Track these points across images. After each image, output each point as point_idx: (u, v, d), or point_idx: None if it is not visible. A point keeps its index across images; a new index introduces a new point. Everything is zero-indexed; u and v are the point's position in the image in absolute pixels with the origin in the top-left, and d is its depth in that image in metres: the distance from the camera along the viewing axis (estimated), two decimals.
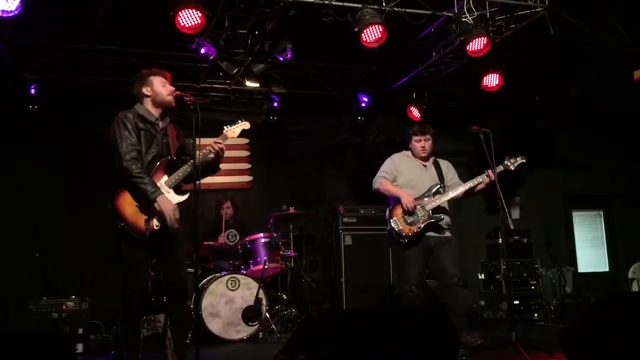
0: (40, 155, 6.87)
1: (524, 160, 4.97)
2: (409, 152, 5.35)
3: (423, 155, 5.21)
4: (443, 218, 4.99)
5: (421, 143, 5.20)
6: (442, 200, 5.00)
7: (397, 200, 5.06)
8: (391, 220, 5.04)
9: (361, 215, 7.35)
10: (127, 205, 3.90)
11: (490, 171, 4.93)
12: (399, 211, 5.02)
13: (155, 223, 3.94)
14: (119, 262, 3.90)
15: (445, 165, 5.27)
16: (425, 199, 5.03)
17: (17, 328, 5.92)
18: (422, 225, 4.94)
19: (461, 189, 5.02)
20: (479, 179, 4.99)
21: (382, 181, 5.22)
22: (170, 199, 4.00)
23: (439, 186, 5.07)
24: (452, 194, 5.00)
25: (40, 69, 6.66)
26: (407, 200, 4.97)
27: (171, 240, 4.04)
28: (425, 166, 5.25)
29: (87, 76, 6.88)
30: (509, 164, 4.95)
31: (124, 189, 3.92)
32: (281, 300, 6.57)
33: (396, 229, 4.99)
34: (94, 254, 6.63)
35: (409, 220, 4.97)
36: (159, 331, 5.68)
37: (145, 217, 3.90)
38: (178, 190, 4.10)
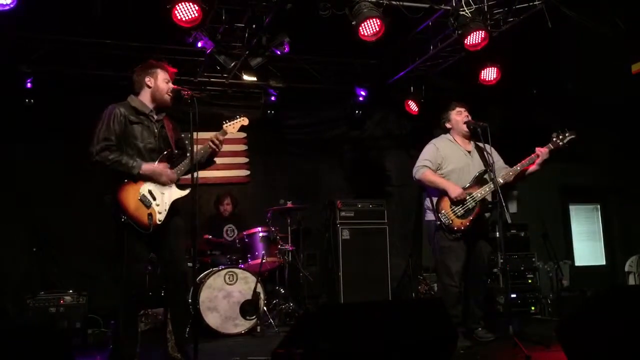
0: (37, 149, 6.85)
1: (573, 136, 4.72)
2: (448, 136, 5.08)
3: (466, 130, 4.93)
4: (492, 208, 4.73)
5: (462, 115, 4.97)
6: (492, 188, 4.67)
7: (442, 192, 4.77)
8: (440, 214, 4.74)
9: (359, 210, 7.35)
10: (130, 198, 3.88)
11: (539, 149, 4.72)
12: (446, 204, 4.73)
13: (158, 217, 3.94)
14: (120, 255, 3.88)
15: (488, 148, 4.88)
16: (474, 188, 4.76)
17: (15, 323, 5.92)
18: (474, 218, 4.70)
19: (511, 173, 4.76)
20: (529, 160, 4.74)
21: (424, 171, 4.87)
22: (172, 194, 4.01)
23: (486, 173, 4.77)
24: (502, 181, 4.67)
25: (36, 62, 6.61)
26: (456, 192, 4.68)
27: (173, 234, 4.05)
28: (469, 152, 4.98)
29: (83, 69, 6.85)
30: (559, 141, 4.73)
31: (125, 181, 3.90)
32: (279, 294, 6.58)
33: (446, 224, 4.70)
34: (91, 248, 6.64)
35: (459, 213, 4.70)
36: (157, 325, 5.70)
37: (148, 211, 3.89)
38: (179, 184, 4.11)
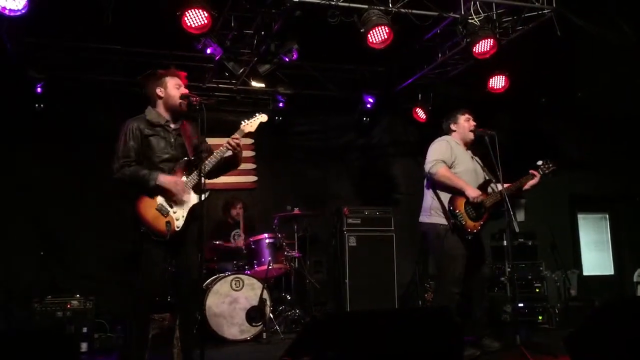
0: (46, 154, 6.89)
1: (555, 168, 4.88)
2: (452, 137, 5.01)
3: (471, 138, 4.92)
4: (500, 215, 4.69)
5: (470, 123, 4.94)
6: (498, 198, 4.66)
7: (455, 192, 4.67)
8: (456, 213, 4.59)
9: (365, 217, 7.34)
10: (148, 208, 3.92)
11: (533, 171, 4.82)
12: (461, 204, 4.62)
13: (176, 224, 3.96)
14: (137, 263, 3.91)
15: (478, 159, 4.99)
16: (483, 195, 4.70)
17: (22, 327, 5.94)
18: (483, 222, 4.68)
19: (513, 188, 4.79)
20: (524, 179, 4.82)
21: (442, 166, 4.68)
22: (190, 200, 4.03)
23: (491, 182, 4.78)
24: (505, 192, 4.62)
25: (46, 68, 6.65)
26: (475, 193, 4.60)
27: (190, 241, 4.06)
28: (472, 158, 4.97)
29: (93, 75, 6.89)
30: (545, 168, 4.87)
31: (143, 193, 3.94)
32: (285, 300, 6.57)
33: (462, 223, 4.60)
34: (98, 253, 6.67)
35: (472, 215, 4.64)
36: (163, 330, 5.69)
37: (167, 219, 3.92)
38: (198, 189, 4.09)
